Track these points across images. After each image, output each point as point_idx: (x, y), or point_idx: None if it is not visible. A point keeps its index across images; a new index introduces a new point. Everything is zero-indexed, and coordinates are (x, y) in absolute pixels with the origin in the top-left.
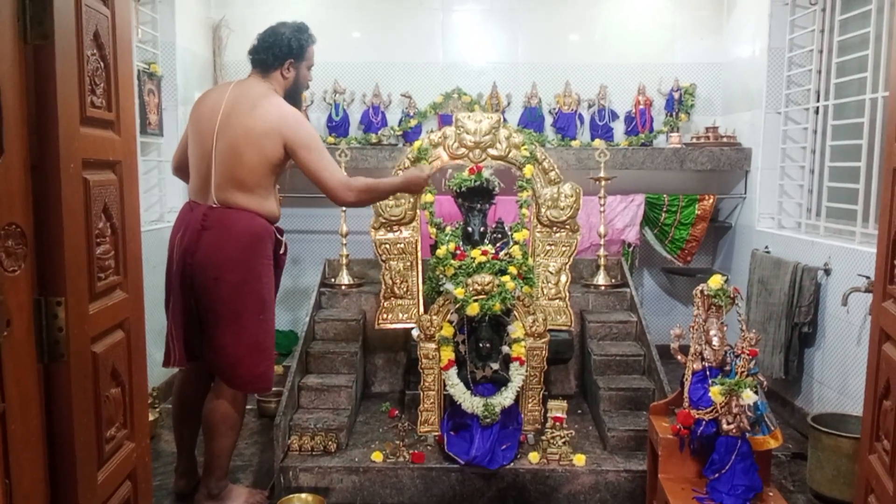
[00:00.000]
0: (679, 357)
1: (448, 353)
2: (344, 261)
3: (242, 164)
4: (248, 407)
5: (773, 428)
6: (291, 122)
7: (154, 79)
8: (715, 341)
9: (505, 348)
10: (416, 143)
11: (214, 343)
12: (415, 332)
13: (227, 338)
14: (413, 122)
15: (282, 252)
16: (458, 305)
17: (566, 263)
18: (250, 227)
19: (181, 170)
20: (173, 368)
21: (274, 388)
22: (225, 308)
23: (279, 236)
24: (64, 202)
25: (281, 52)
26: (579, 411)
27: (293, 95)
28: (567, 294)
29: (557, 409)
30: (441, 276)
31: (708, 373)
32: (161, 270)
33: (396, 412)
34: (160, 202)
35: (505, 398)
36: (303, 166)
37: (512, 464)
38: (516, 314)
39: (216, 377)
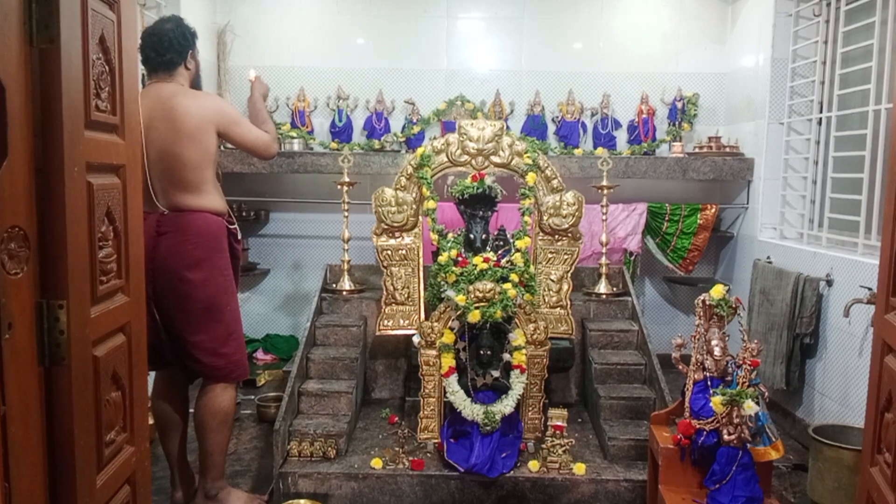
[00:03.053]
0: (680, 367)
1: (449, 360)
2: (345, 266)
3: (185, 165)
4: (247, 412)
5: (774, 439)
6: (215, 107)
7: None
8: (716, 351)
9: (506, 356)
10: (419, 150)
11: (190, 342)
12: (416, 339)
13: (203, 334)
14: (416, 129)
15: (236, 243)
16: (459, 312)
17: (568, 271)
18: (206, 226)
19: None
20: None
21: (273, 394)
22: (195, 306)
23: (231, 227)
24: (67, 205)
25: (181, 46)
26: (580, 420)
27: (198, 81)
28: (568, 302)
29: (558, 417)
30: (442, 282)
31: (709, 383)
32: None
33: (396, 419)
34: None
35: (505, 406)
36: (236, 141)
37: (512, 472)
38: (517, 322)
39: (203, 379)
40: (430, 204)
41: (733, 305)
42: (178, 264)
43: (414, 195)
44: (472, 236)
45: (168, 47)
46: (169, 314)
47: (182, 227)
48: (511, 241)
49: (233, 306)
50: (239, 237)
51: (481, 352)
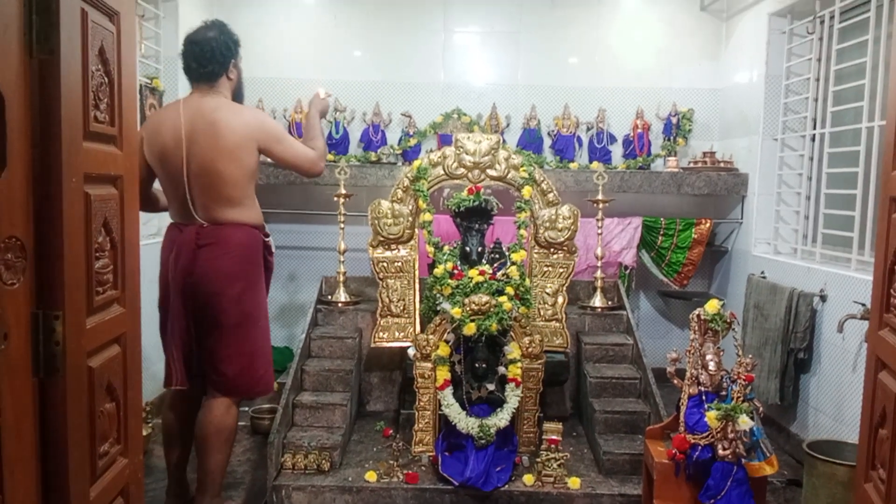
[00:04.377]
0: (675, 381)
1: (444, 373)
2: (341, 278)
3: (226, 182)
4: (241, 423)
5: (768, 454)
6: (257, 124)
7: (156, 93)
8: (711, 366)
9: (501, 369)
10: (416, 162)
11: (219, 355)
12: (411, 351)
13: (232, 348)
14: (413, 142)
15: (270, 255)
16: (454, 325)
17: (563, 285)
18: (244, 240)
19: (144, 202)
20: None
21: (268, 406)
22: (228, 320)
23: (266, 239)
24: (65, 216)
25: (224, 56)
26: (574, 434)
27: (240, 90)
28: (563, 315)
29: (553, 431)
30: (438, 295)
31: (704, 397)
32: (157, 285)
33: (391, 431)
34: (158, 216)
35: (500, 419)
36: (278, 158)
37: (506, 486)
38: (513, 335)
39: (209, 391)
40: (427, 216)
41: (728, 320)
42: (214, 278)
43: (410, 207)
44: (468, 249)
45: (210, 59)
46: (204, 328)
47: (221, 239)
48: (507, 254)
49: (263, 322)
50: (273, 250)
51: (476, 365)
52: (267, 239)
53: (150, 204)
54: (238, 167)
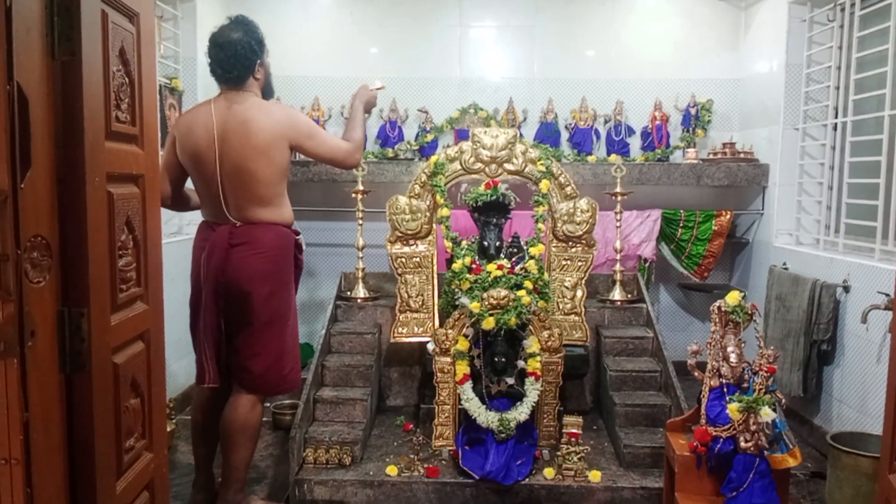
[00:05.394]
0: (696, 373)
1: (463, 368)
2: (360, 274)
3: (258, 181)
4: (263, 419)
5: (791, 446)
6: (287, 122)
7: (175, 93)
8: (732, 358)
9: (520, 363)
10: (433, 158)
11: (247, 352)
12: (430, 346)
13: (261, 346)
14: (430, 137)
15: (300, 253)
16: (473, 319)
17: (582, 278)
18: (277, 240)
19: (176, 201)
20: (191, 379)
21: (289, 401)
22: (258, 318)
23: (297, 237)
24: (89, 215)
25: (249, 60)
26: (595, 427)
27: (268, 86)
28: (583, 309)
29: (573, 424)
30: (457, 290)
31: (725, 390)
32: (179, 283)
33: (411, 426)
34: (179, 215)
35: (520, 413)
36: (311, 154)
37: (527, 479)
38: (532, 329)
39: (235, 388)
40: (444, 212)
41: (749, 312)
42: (247, 278)
43: (428, 203)
44: (485, 243)
45: (234, 64)
46: (235, 326)
47: (255, 239)
48: (525, 248)
49: (292, 321)
50: (303, 248)
51: (496, 359)
52: (297, 237)
53: (182, 203)
54: (270, 166)
